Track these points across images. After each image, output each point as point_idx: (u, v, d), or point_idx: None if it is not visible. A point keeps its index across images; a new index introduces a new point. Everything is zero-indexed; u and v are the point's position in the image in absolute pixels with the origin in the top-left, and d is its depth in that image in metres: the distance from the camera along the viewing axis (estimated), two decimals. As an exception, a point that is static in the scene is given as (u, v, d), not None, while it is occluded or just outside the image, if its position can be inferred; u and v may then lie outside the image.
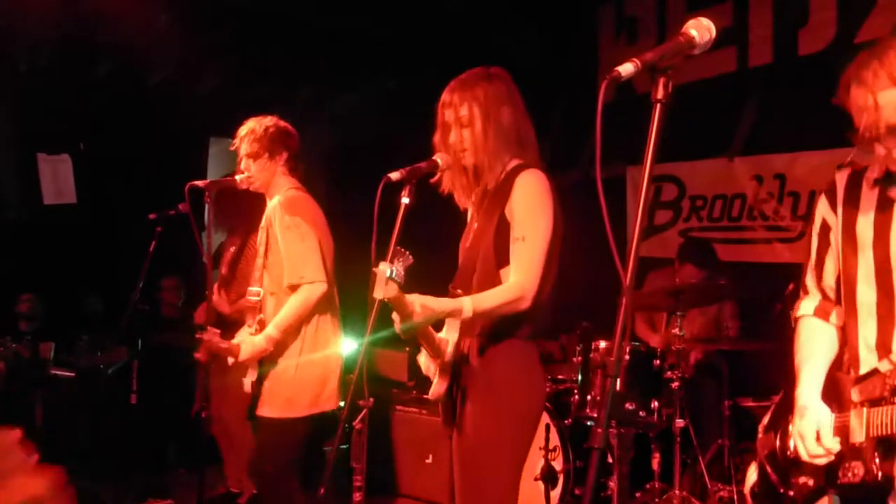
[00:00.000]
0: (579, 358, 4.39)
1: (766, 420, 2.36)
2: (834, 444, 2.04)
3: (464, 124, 2.63)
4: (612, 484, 4.35)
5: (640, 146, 1.58)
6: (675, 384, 4.28)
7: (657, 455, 4.39)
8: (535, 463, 4.35)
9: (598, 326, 4.52)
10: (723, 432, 4.58)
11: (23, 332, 5.63)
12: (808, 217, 5.01)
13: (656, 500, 4.32)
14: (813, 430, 2.06)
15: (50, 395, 5.10)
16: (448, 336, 2.56)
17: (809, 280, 2.28)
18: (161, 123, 6.37)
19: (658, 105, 1.58)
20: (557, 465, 4.45)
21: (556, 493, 4.41)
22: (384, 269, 2.30)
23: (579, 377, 4.39)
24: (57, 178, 6.32)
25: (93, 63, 6.06)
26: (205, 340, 3.51)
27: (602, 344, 4.38)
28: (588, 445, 1.55)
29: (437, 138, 2.71)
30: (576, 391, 4.41)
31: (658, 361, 4.34)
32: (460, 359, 2.64)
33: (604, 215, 1.55)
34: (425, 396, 5.29)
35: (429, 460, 5.05)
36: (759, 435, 2.34)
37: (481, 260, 2.64)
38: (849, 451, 2.02)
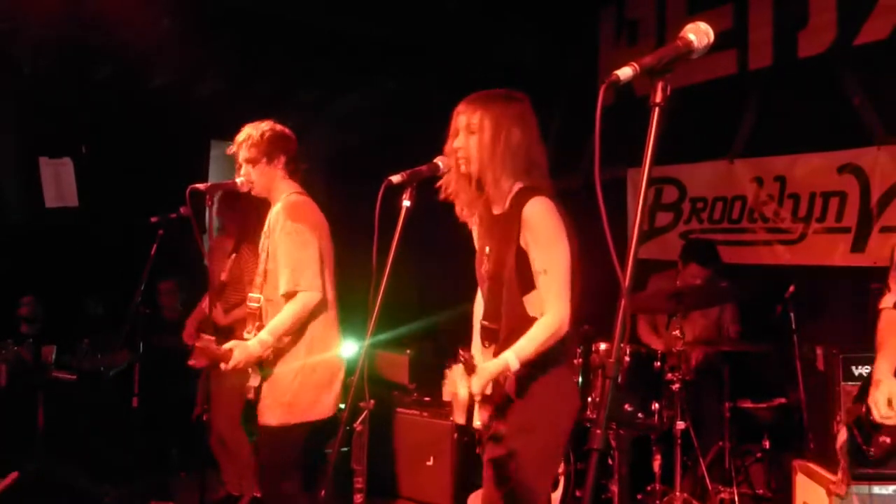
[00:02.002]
0: (580, 360, 4.39)
1: (854, 393, 2.93)
2: None
3: (472, 131, 2.65)
4: (614, 487, 4.35)
5: (640, 148, 1.59)
6: (676, 386, 4.29)
7: (658, 457, 4.39)
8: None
9: (599, 329, 4.52)
10: (723, 434, 4.58)
11: (24, 334, 5.62)
12: (809, 218, 5.04)
13: (657, 502, 4.32)
14: (885, 398, 2.56)
15: (51, 398, 5.09)
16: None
17: (892, 281, 2.80)
18: (162, 126, 6.39)
19: (656, 109, 1.58)
20: (559, 467, 4.46)
21: (556, 496, 4.41)
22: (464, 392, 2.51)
23: (580, 379, 4.39)
24: (58, 182, 6.32)
25: (94, 66, 6.07)
26: (197, 347, 3.49)
27: (602, 346, 4.38)
28: (587, 447, 1.56)
29: (447, 144, 2.73)
30: (577, 393, 4.40)
31: (659, 363, 4.34)
32: (497, 388, 2.68)
33: (603, 217, 1.56)
34: (426, 399, 5.36)
35: (429, 462, 5.06)
36: (849, 405, 2.94)
37: (506, 290, 2.68)
38: None
